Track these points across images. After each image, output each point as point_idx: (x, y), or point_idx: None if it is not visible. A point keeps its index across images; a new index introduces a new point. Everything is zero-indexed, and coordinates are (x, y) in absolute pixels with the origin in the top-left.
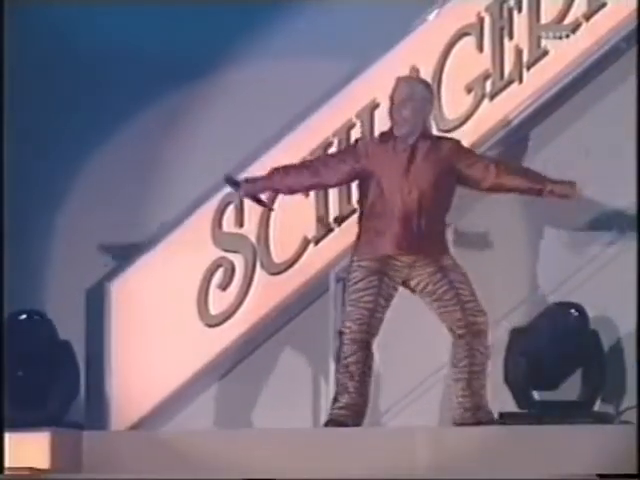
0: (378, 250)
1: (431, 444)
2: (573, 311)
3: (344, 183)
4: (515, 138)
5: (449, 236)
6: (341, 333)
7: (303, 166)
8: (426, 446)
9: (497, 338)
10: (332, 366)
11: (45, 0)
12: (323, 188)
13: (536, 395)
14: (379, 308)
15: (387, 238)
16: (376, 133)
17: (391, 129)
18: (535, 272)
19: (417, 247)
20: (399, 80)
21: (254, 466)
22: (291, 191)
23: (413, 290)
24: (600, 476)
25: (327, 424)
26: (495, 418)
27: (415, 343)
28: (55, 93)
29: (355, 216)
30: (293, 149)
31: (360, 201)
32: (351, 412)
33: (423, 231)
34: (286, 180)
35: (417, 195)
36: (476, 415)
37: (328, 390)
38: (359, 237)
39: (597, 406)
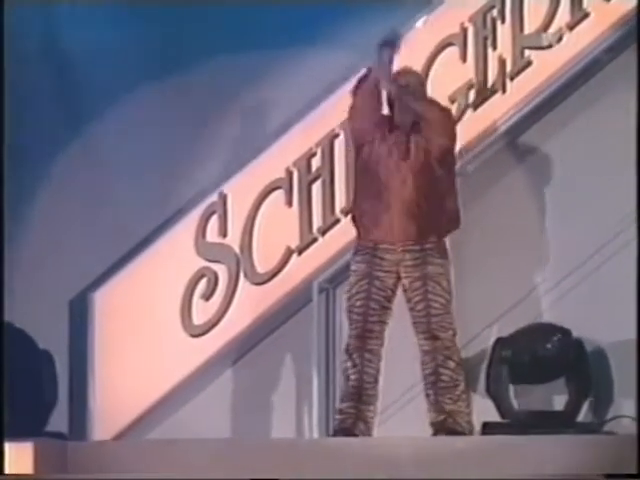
0: (372, 236)
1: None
2: (555, 321)
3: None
4: (498, 147)
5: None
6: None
7: None
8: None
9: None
10: (315, 375)
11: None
12: None
13: (518, 405)
14: (371, 312)
15: (383, 226)
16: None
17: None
18: (521, 281)
19: (412, 234)
20: (397, 72)
21: (240, 474)
22: None
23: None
24: (606, 476)
25: (334, 433)
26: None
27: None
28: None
29: (337, 227)
30: (276, 160)
31: (356, 185)
32: (352, 418)
33: (420, 218)
34: None
35: (413, 183)
36: (440, 432)
37: (311, 399)
38: (357, 230)
39: (582, 416)
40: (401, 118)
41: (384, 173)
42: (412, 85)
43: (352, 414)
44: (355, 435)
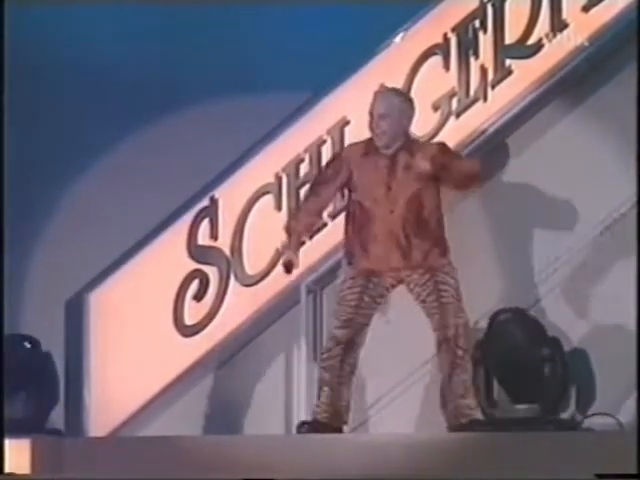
0: (363, 265)
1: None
2: (530, 318)
3: (340, 192)
4: (480, 154)
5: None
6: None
7: (309, 194)
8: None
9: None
10: (304, 376)
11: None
12: (330, 203)
13: (498, 404)
14: (363, 304)
15: (372, 256)
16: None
17: (372, 140)
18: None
19: (404, 262)
20: (376, 94)
21: (235, 470)
22: (312, 225)
23: (410, 290)
24: (599, 476)
25: (307, 423)
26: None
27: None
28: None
29: (325, 230)
30: (265, 166)
31: (347, 212)
32: (328, 411)
33: (409, 246)
34: (304, 220)
35: (400, 212)
36: (456, 423)
37: (300, 398)
38: (348, 244)
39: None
40: (380, 142)
41: (372, 204)
42: (394, 107)
43: (326, 405)
44: (327, 426)
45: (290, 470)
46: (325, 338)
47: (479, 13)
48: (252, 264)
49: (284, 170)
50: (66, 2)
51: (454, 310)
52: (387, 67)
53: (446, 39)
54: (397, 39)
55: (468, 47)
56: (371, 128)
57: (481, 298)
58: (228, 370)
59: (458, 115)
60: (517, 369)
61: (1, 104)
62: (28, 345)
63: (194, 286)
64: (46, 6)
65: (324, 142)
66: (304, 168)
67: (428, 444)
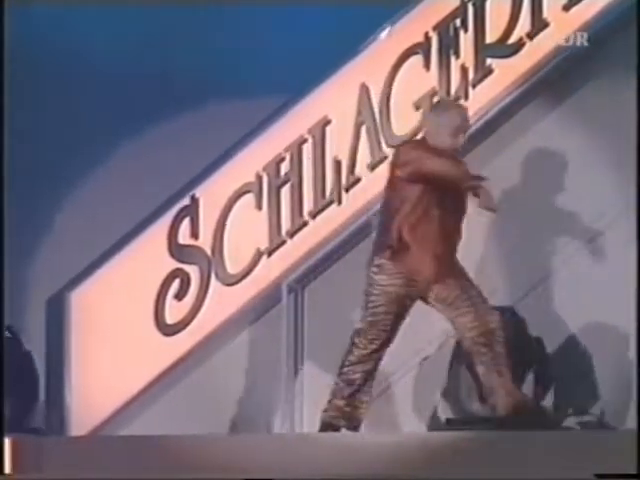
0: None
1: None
2: (511, 317)
3: None
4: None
5: None
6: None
7: None
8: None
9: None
10: (285, 374)
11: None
12: None
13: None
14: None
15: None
16: (330, 148)
17: None
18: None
19: (440, 274)
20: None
21: (216, 469)
22: None
23: (427, 302)
24: (599, 476)
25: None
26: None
27: None
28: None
29: (305, 230)
30: (246, 165)
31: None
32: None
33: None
34: None
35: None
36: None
37: (281, 397)
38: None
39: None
40: None
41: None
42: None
43: (343, 408)
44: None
45: (272, 469)
46: (306, 337)
47: (460, 12)
48: (233, 263)
49: (265, 169)
50: (66, 2)
51: (485, 309)
52: (368, 66)
53: (427, 38)
54: (380, 35)
55: (449, 46)
56: (437, 138)
57: None
58: (209, 369)
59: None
60: None
61: (1, 104)
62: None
63: (175, 285)
64: (46, 6)
65: (305, 141)
66: (285, 167)
67: (427, 443)
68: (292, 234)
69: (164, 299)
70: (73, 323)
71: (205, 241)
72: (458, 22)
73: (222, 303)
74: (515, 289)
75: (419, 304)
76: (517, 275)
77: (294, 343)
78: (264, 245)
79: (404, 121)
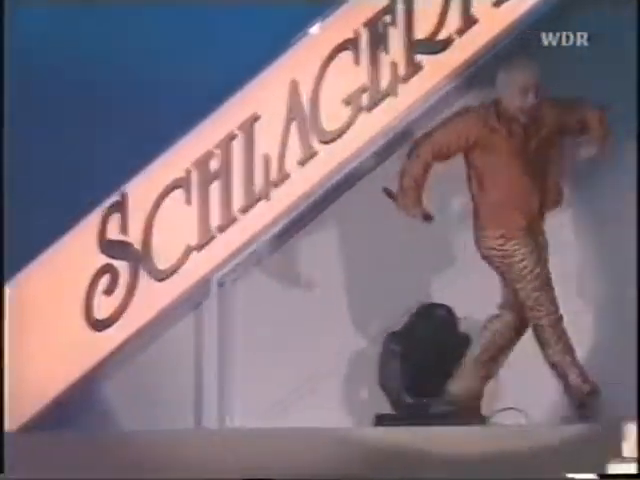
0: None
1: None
2: (442, 312)
3: None
4: (392, 148)
5: None
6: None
7: None
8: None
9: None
10: (214, 370)
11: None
12: None
13: (409, 398)
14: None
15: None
16: (259, 144)
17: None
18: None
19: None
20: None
21: (148, 466)
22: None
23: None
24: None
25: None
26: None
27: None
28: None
29: (235, 225)
30: (176, 161)
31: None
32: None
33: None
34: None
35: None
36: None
37: (211, 393)
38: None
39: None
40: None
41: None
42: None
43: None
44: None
45: (202, 464)
46: (236, 331)
47: (390, 8)
48: (163, 258)
49: (195, 165)
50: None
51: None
52: (298, 62)
53: (357, 34)
54: (311, 31)
55: (379, 42)
56: (513, 102)
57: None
58: (138, 365)
59: (369, 110)
60: (428, 363)
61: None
62: None
63: (105, 280)
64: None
65: (235, 137)
66: (215, 163)
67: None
68: (222, 229)
69: (93, 294)
70: (8, 318)
71: (135, 236)
72: (388, 18)
73: (152, 298)
74: None
75: None
76: None
77: (223, 337)
78: (194, 240)
79: (334, 117)
